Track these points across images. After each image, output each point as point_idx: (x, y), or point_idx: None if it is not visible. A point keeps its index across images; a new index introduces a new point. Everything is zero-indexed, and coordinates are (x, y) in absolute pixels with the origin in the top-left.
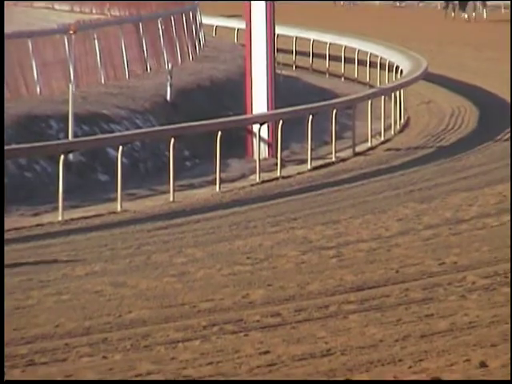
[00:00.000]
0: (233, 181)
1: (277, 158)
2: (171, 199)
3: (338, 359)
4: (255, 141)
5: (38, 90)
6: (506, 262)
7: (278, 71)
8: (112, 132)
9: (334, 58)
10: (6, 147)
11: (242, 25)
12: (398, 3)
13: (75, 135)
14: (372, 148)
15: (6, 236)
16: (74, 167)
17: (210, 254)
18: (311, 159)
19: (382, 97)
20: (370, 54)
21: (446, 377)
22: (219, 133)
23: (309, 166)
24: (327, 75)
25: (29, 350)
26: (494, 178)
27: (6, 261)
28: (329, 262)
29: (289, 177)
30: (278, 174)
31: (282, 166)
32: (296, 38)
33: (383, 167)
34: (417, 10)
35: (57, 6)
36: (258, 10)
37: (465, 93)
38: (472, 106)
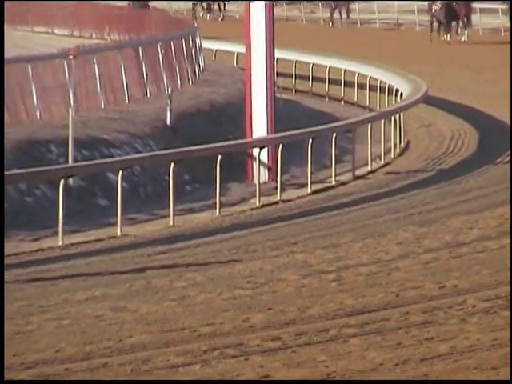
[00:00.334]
0: (233, 205)
1: (277, 181)
2: (171, 223)
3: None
4: (255, 165)
5: (38, 114)
6: (507, 285)
7: (278, 95)
8: (112, 157)
9: (334, 82)
10: (6, 172)
11: (241, 49)
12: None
13: (75, 160)
14: (372, 171)
15: (6, 261)
16: (74, 192)
17: (210, 278)
18: (311, 183)
19: (382, 120)
20: (370, 77)
21: None
22: (219, 157)
23: (309, 190)
24: (327, 99)
25: (29, 376)
26: (493, 201)
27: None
28: (329, 286)
29: (289, 201)
30: (278, 198)
31: (282, 190)
32: (296, 61)
33: (383, 191)
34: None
35: (56, 30)
36: (258, 34)
37: (464, 116)
38: (472, 129)
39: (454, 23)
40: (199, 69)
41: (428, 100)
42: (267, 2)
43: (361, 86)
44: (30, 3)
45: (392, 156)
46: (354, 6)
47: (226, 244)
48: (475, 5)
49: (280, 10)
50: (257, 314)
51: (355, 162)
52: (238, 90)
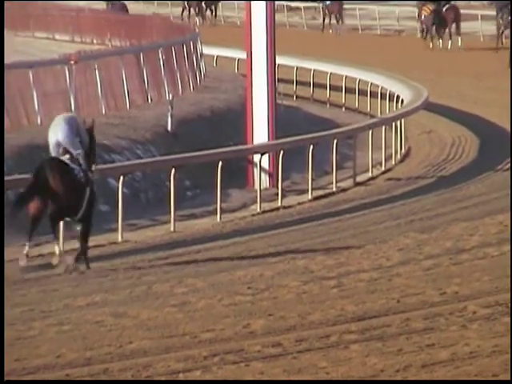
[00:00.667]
0: (234, 211)
1: (277, 187)
2: (172, 229)
3: None
4: (256, 171)
5: (39, 120)
6: (507, 292)
7: (279, 101)
8: (113, 162)
9: (335, 88)
10: (6, 177)
11: (242, 55)
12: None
13: None
14: (373, 178)
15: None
16: None
17: (211, 284)
18: (312, 189)
19: (383, 127)
20: (371, 83)
21: None
22: (220, 163)
23: (309, 196)
24: (328, 105)
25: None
26: (494, 208)
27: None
28: (330, 292)
29: (289, 207)
30: (279, 204)
31: (283, 196)
32: (297, 67)
33: (384, 197)
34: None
35: (58, 36)
36: (259, 40)
37: (465, 122)
38: (472, 136)
39: (442, 29)
40: (200, 75)
41: (429, 107)
42: (268, 8)
43: (362, 93)
44: (30, 8)
45: (393, 162)
46: (355, 12)
47: (227, 250)
48: (476, 11)
49: (281, 16)
50: (257, 320)
51: (356, 168)
52: (238, 96)
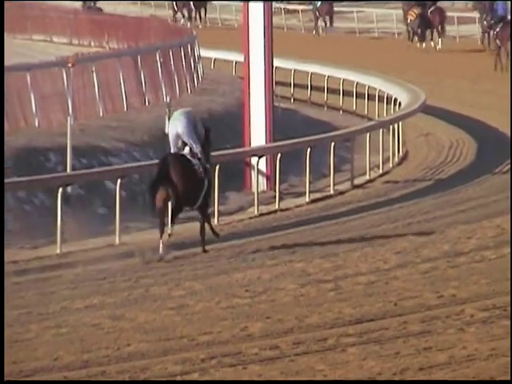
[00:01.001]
0: (231, 214)
1: (275, 190)
2: (169, 232)
3: None
4: (253, 174)
5: (37, 122)
6: (505, 295)
7: (276, 104)
8: (110, 165)
9: (333, 91)
10: (5, 180)
11: (240, 57)
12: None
13: (74, 168)
14: (370, 181)
15: (6, 269)
16: (73, 200)
17: (209, 287)
18: (309, 192)
19: (381, 129)
20: (369, 86)
21: None
22: (217, 166)
23: (307, 199)
24: (325, 108)
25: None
26: (492, 211)
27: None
28: (327, 295)
29: (287, 210)
30: (277, 207)
31: (281, 199)
32: (294, 70)
33: (381, 200)
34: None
35: (55, 38)
36: (256, 43)
37: (463, 125)
38: (470, 139)
39: (428, 31)
40: (198, 77)
41: (426, 110)
42: (266, 10)
43: (359, 95)
44: (28, 10)
45: (390, 165)
46: (353, 14)
47: (224, 253)
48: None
49: (278, 19)
50: (255, 323)
51: (354, 171)
52: (236, 99)
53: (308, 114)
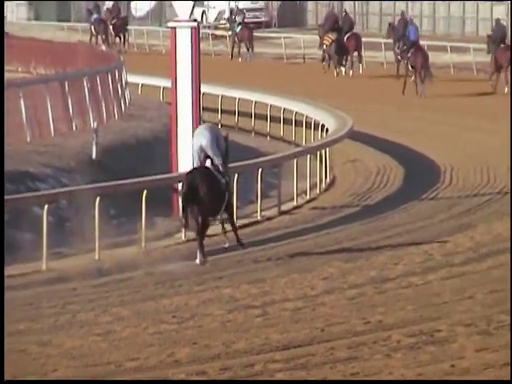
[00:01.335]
0: (158, 239)
1: None
2: (97, 258)
3: None
4: (180, 199)
5: None
6: (431, 321)
7: None
8: (38, 190)
9: (260, 117)
10: None
11: (167, 83)
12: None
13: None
14: (298, 207)
15: None
16: None
17: (136, 313)
18: (237, 218)
19: (308, 156)
20: (296, 112)
21: None
22: (145, 191)
23: None
24: (253, 134)
25: None
26: (419, 237)
27: None
28: (254, 321)
29: (214, 235)
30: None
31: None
32: (222, 96)
33: (309, 226)
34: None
35: None
36: (184, 69)
37: (390, 151)
38: (397, 165)
39: (344, 57)
40: (125, 103)
41: (354, 136)
42: (193, 36)
43: (287, 121)
44: None
45: (318, 191)
46: (281, 40)
47: (152, 278)
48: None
49: (206, 45)
50: (182, 349)
51: (281, 197)
52: (163, 125)
53: (235, 140)
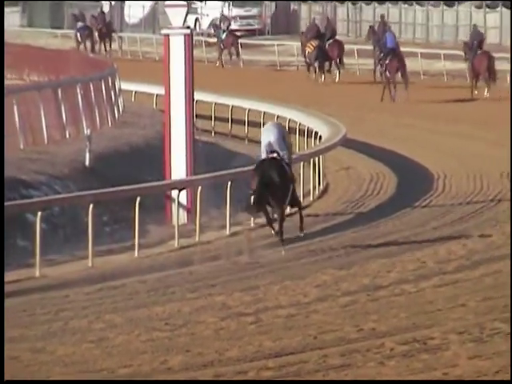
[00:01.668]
0: (151, 246)
1: (195, 223)
2: (90, 265)
3: None
4: (174, 206)
5: None
6: (424, 328)
7: (197, 137)
8: (31, 197)
9: (254, 124)
10: None
11: (161, 90)
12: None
13: None
14: (291, 214)
15: None
16: None
17: (129, 320)
18: (230, 225)
19: (301, 163)
20: (289, 119)
21: None
22: (138, 198)
23: (227, 232)
24: (246, 141)
25: None
26: (411, 245)
27: None
28: (247, 328)
29: (208, 242)
30: (197, 240)
31: (201, 232)
32: (215, 103)
33: (302, 233)
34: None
35: None
36: (177, 76)
37: (384, 159)
38: (391, 173)
39: (327, 64)
40: (118, 110)
41: (347, 143)
42: (186, 43)
43: None
44: None
45: (311, 199)
46: (274, 48)
47: (145, 286)
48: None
49: (199, 52)
50: (175, 356)
51: None
52: (157, 132)
53: (229, 148)
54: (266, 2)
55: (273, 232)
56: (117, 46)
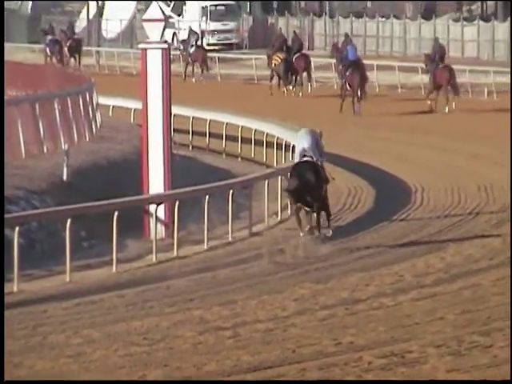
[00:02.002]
0: (129, 261)
1: (173, 238)
2: (68, 279)
3: None
4: (152, 221)
5: None
6: (402, 342)
7: (175, 151)
8: (9, 212)
9: (231, 138)
10: None
11: (138, 105)
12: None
13: None
14: (269, 228)
15: None
16: None
17: (107, 335)
18: (208, 239)
19: (279, 177)
20: (267, 133)
21: None
22: (116, 213)
23: (205, 247)
24: (224, 155)
25: None
26: (390, 258)
27: None
28: (225, 343)
29: (185, 257)
30: (175, 255)
31: (179, 247)
32: (192, 117)
33: (280, 247)
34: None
35: None
36: (155, 90)
37: (361, 172)
38: (368, 186)
39: (293, 77)
40: (96, 125)
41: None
42: (164, 57)
43: (257, 143)
44: None
45: (289, 212)
46: (251, 62)
47: (123, 300)
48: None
49: (176, 66)
50: (153, 371)
51: (252, 218)
52: (134, 147)
53: (206, 162)
54: (244, 15)
55: (301, 234)
56: (94, 60)
